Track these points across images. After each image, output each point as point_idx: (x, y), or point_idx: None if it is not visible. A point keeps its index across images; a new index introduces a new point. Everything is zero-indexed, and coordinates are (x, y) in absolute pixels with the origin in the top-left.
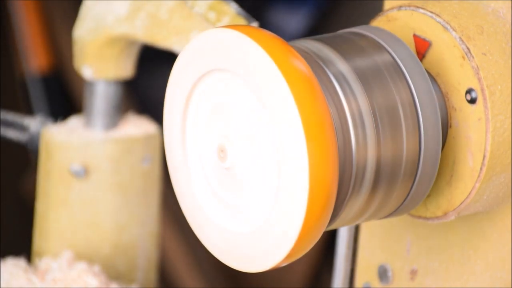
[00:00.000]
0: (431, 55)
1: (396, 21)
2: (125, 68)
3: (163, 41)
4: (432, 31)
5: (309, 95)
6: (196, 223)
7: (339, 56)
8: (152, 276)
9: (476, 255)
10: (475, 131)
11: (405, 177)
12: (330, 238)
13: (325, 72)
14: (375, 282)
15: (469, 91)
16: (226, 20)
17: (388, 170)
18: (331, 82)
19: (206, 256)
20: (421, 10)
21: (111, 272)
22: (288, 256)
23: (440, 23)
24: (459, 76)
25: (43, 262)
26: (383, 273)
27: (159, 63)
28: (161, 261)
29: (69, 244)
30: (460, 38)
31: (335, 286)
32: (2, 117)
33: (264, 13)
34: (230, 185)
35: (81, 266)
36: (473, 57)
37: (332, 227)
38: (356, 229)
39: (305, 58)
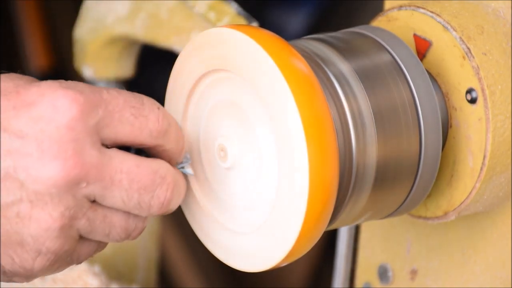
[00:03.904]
0: (431, 55)
1: (396, 21)
2: (126, 68)
3: (163, 41)
4: (432, 31)
5: (309, 95)
6: (196, 223)
7: (340, 56)
8: (152, 276)
9: (476, 255)
10: (476, 131)
11: (405, 177)
12: (330, 238)
13: (325, 72)
14: (375, 282)
15: (469, 91)
16: (226, 20)
17: (388, 170)
18: (331, 82)
19: (206, 256)
20: (422, 10)
21: (111, 272)
22: (288, 256)
23: (440, 23)
24: (459, 76)
25: None
26: (383, 273)
27: (159, 63)
28: (161, 261)
29: None
30: (460, 38)
31: (335, 286)
32: None
33: (264, 13)
34: (230, 184)
35: (81, 266)
36: (473, 57)
37: (332, 227)
38: (356, 229)
39: (306, 58)
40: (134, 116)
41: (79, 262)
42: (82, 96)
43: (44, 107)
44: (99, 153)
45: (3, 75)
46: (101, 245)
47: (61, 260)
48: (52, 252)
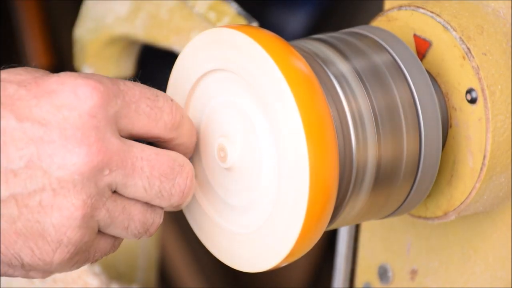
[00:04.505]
0: (431, 55)
1: (396, 21)
2: (125, 68)
3: (163, 41)
4: (432, 31)
5: (309, 95)
6: (196, 223)
7: (340, 56)
8: (152, 276)
9: (476, 255)
10: (475, 131)
11: (405, 177)
12: (330, 238)
13: (325, 72)
14: (375, 282)
15: (469, 91)
16: (226, 20)
17: (389, 170)
18: (331, 82)
19: (206, 256)
20: (421, 10)
21: (111, 272)
22: (288, 256)
23: (440, 23)
24: (459, 76)
25: None
26: (383, 273)
27: (159, 63)
28: (161, 261)
29: None
30: (460, 38)
31: (335, 286)
32: None
33: (264, 13)
34: (230, 185)
35: None
36: (473, 57)
37: (332, 227)
38: (356, 229)
39: (305, 58)
40: (150, 107)
41: (94, 259)
42: (102, 85)
43: (66, 95)
44: (120, 141)
45: (19, 68)
46: (116, 243)
47: (80, 254)
48: (73, 244)
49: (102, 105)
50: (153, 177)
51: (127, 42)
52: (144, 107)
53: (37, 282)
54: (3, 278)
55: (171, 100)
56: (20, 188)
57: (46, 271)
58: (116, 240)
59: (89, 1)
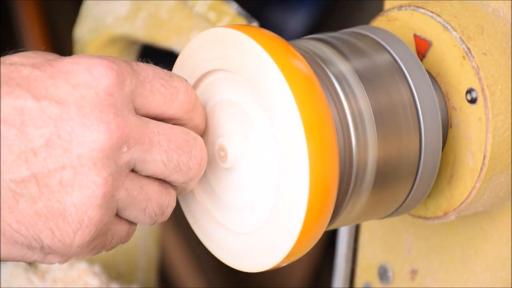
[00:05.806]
0: (431, 55)
1: (396, 21)
2: None
3: (163, 41)
4: (432, 31)
5: (310, 95)
6: (196, 223)
7: (340, 56)
8: (152, 276)
9: (476, 255)
10: (476, 131)
11: (405, 177)
12: (330, 238)
13: (325, 72)
14: (375, 282)
15: (469, 91)
16: (226, 20)
17: (389, 170)
18: (331, 82)
19: (206, 256)
20: (422, 10)
21: (112, 272)
22: (288, 256)
23: (440, 23)
24: (459, 76)
25: None
26: (383, 273)
27: (159, 63)
28: (161, 261)
29: None
30: (460, 38)
31: (335, 286)
32: None
33: (264, 13)
34: (230, 185)
35: (82, 266)
36: (473, 57)
37: (332, 227)
38: (356, 229)
39: (306, 58)
40: (165, 87)
41: (111, 246)
42: (115, 65)
43: (81, 74)
44: (137, 118)
45: (30, 52)
46: (130, 230)
47: (99, 237)
48: (94, 224)
49: (117, 83)
50: (170, 150)
51: (127, 42)
52: (159, 86)
53: (37, 282)
54: (3, 278)
55: (186, 80)
56: (40, 167)
57: (64, 255)
58: (131, 227)
59: (89, 1)
